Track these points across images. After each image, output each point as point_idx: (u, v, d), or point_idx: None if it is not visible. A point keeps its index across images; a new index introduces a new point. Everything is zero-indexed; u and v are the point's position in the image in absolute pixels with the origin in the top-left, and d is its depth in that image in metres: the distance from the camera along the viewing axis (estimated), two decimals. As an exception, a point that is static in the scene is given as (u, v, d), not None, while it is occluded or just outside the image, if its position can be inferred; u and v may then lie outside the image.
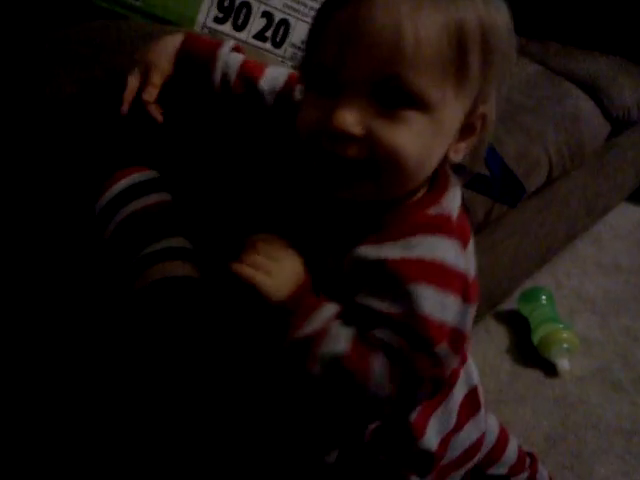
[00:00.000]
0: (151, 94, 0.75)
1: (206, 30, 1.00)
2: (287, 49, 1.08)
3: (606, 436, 1.23)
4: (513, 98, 1.37)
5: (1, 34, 0.96)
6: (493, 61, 0.57)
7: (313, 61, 0.58)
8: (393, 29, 0.52)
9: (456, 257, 0.59)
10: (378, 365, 0.56)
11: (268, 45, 1.06)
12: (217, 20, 1.01)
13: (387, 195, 0.59)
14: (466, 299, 0.59)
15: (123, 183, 0.69)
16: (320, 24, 0.57)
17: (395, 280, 0.57)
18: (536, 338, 1.40)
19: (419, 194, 0.62)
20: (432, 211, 0.61)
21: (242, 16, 1.02)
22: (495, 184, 1.06)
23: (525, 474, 1.00)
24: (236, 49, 0.78)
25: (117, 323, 0.71)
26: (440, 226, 0.60)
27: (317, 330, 0.58)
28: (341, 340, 0.57)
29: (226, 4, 1.00)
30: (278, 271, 0.59)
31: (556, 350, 1.35)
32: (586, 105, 1.50)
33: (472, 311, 0.60)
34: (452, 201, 0.62)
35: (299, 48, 1.09)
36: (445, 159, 0.61)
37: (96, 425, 0.78)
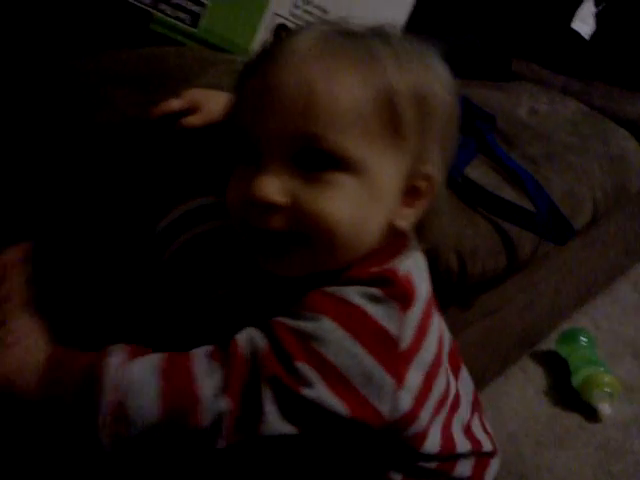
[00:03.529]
0: (192, 123, 0.73)
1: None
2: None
3: (653, 487, 1.19)
4: (558, 137, 1.36)
5: (56, 56, 0.98)
6: (432, 124, 0.53)
7: (233, 132, 0.55)
8: (303, 87, 0.49)
9: (382, 313, 0.51)
10: (200, 361, 0.51)
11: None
12: (272, 49, 1.01)
13: (326, 265, 0.54)
14: (379, 358, 0.50)
15: (187, 206, 0.68)
16: (236, 94, 0.55)
17: (305, 305, 0.52)
18: (576, 381, 1.36)
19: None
20: (374, 269, 0.53)
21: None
22: (541, 221, 1.04)
23: None
24: None
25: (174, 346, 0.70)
26: (377, 282, 0.52)
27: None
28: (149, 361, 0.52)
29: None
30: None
31: (598, 394, 1.32)
32: (630, 145, 1.49)
33: (382, 374, 0.51)
34: (403, 264, 0.55)
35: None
36: (392, 225, 0.55)
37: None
